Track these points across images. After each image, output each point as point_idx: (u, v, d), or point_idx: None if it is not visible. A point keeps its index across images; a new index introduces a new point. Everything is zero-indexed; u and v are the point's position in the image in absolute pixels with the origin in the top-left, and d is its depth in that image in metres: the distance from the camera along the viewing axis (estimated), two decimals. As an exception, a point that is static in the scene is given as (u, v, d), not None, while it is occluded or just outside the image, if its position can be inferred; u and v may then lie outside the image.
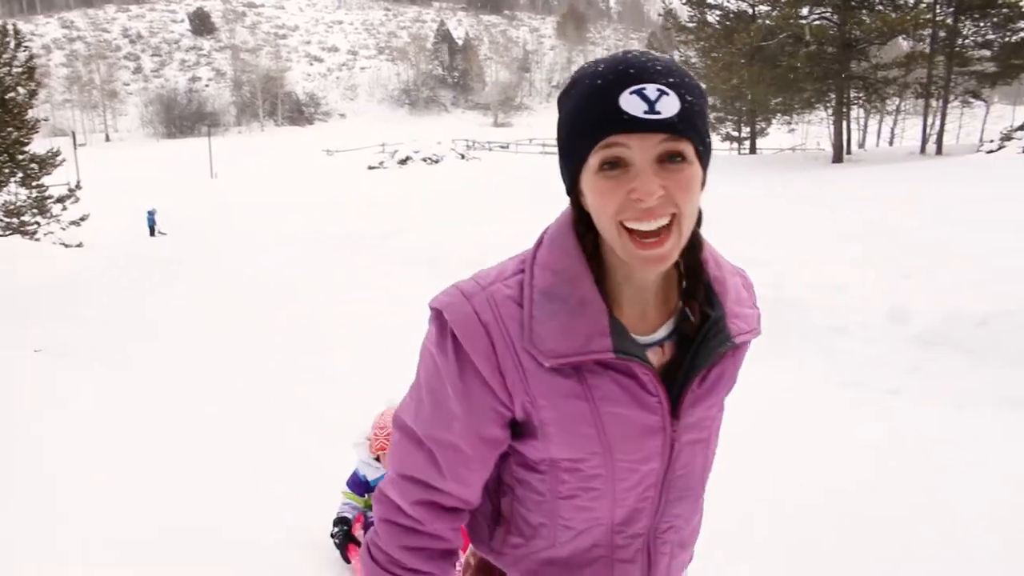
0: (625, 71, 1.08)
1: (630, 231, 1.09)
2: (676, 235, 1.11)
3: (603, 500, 1.30)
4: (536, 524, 1.35)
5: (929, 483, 3.97)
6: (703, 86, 1.14)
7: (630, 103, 1.06)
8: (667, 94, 1.07)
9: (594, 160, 1.10)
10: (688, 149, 1.09)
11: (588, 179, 1.12)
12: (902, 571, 3.26)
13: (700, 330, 1.23)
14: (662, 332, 1.24)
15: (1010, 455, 4.22)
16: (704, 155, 1.13)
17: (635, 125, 1.06)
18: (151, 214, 26.52)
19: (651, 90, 1.06)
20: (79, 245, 20.54)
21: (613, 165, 1.09)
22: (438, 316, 1.22)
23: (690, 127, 1.08)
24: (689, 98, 1.08)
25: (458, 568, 1.56)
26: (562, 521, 1.33)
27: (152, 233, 25.87)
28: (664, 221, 1.09)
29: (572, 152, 1.14)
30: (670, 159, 1.08)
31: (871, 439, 4.50)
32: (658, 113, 1.06)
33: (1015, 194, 10.78)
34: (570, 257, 1.19)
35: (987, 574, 3.22)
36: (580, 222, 1.20)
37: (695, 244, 1.23)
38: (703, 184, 1.14)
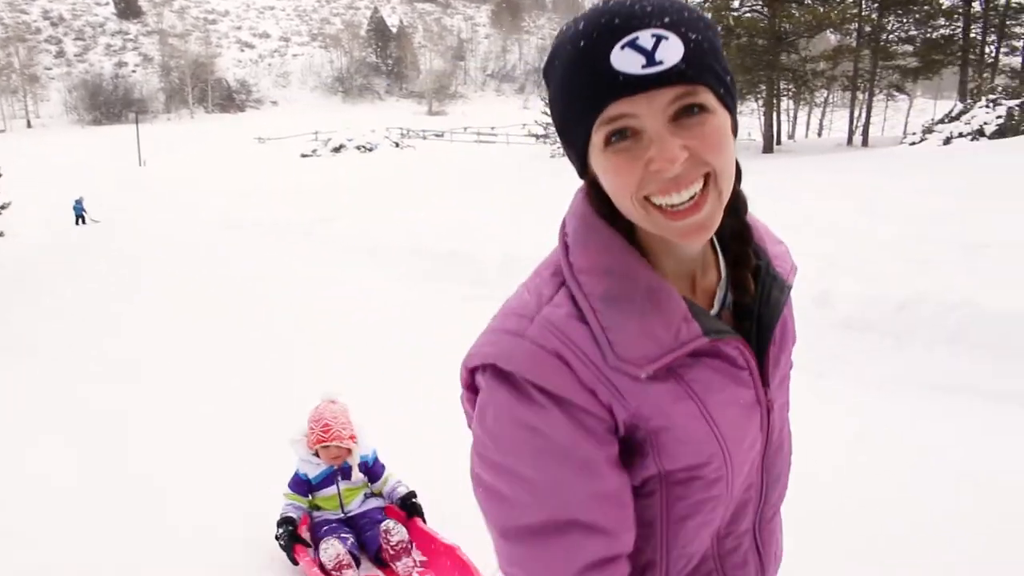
0: (610, 22, 0.88)
1: (659, 207, 0.92)
2: (715, 197, 0.93)
3: (721, 507, 1.10)
4: (644, 564, 1.09)
5: (857, 464, 4.08)
6: (708, 16, 0.93)
7: (624, 60, 0.87)
8: (666, 38, 0.87)
9: (598, 136, 0.92)
10: (707, 96, 0.90)
11: (597, 158, 0.94)
12: (824, 546, 3.35)
13: (757, 281, 1.08)
14: (716, 304, 1.07)
15: (927, 435, 4.37)
16: (727, 97, 0.94)
17: (636, 85, 0.87)
18: (78, 202, 25.78)
19: (645, 37, 0.86)
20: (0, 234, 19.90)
21: (621, 136, 0.90)
22: (496, 372, 0.99)
23: (702, 70, 0.89)
24: (693, 35, 0.88)
25: None
26: (678, 550, 1.10)
27: (79, 222, 25.16)
28: (696, 187, 0.91)
29: (571, 132, 0.96)
30: (687, 113, 0.89)
31: (800, 422, 4.61)
32: (660, 64, 0.86)
33: (934, 185, 11.12)
34: (615, 250, 1.00)
35: (901, 547, 3.33)
36: (603, 206, 1.01)
37: (738, 204, 1.07)
38: (735, 130, 0.97)
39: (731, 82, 0.95)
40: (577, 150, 0.97)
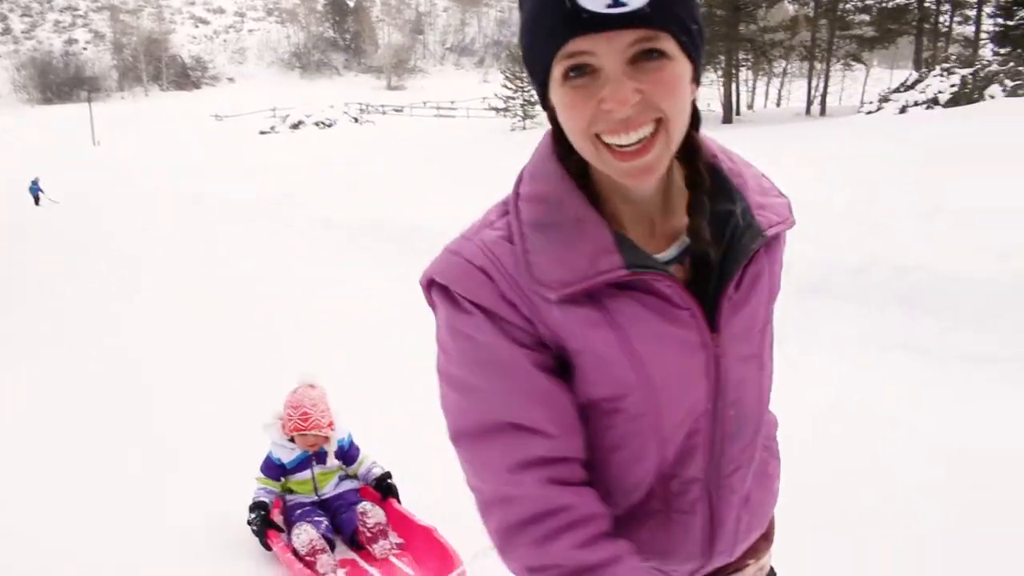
0: None
1: (608, 145, 0.94)
2: (663, 142, 0.95)
3: (651, 444, 1.11)
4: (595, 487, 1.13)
5: (821, 425, 4.15)
6: None
7: None
8: None
9: (558, 70, 0.93)
10: (667, 43, 0.91)
11: (555, 91, 0.96)
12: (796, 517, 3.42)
13: (726, 229, 1.07)
14: (674, 249, 1.08)
15: (888, 394, 4.46)
16: (691, 46, 0.94)
17: (598, 23, 0.88)
18: (34, 183, 25.21)
19: None
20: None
21: (579, 72, 0.92)
22: (435, 287, 1.07)
23: (666, 17, 0.90)
24: None
25: None
26: (614, 481, 1.14)
27: (37, 202, 24.63)
28: (646, 131, 0.93)
29: (533, 63, 0.98)
30: (646, 56, 0.90)
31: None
32: (624, 5, 0.87)
33: (890, 152, 11.26)
34: (555, 180, 1.05)
35: (867, 509, 3.41)
36: (560, 143, 1.04)
37: (692, 147, 1.07)
38: (697, 80, 0.98)
39: (698, 32, 0.96)
40: (539, 82, 0.99)
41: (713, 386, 1.10)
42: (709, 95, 35.74)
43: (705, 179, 1.07)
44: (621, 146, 0.93)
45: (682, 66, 0.94)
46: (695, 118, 1.04)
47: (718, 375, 1.10)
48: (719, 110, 31.82)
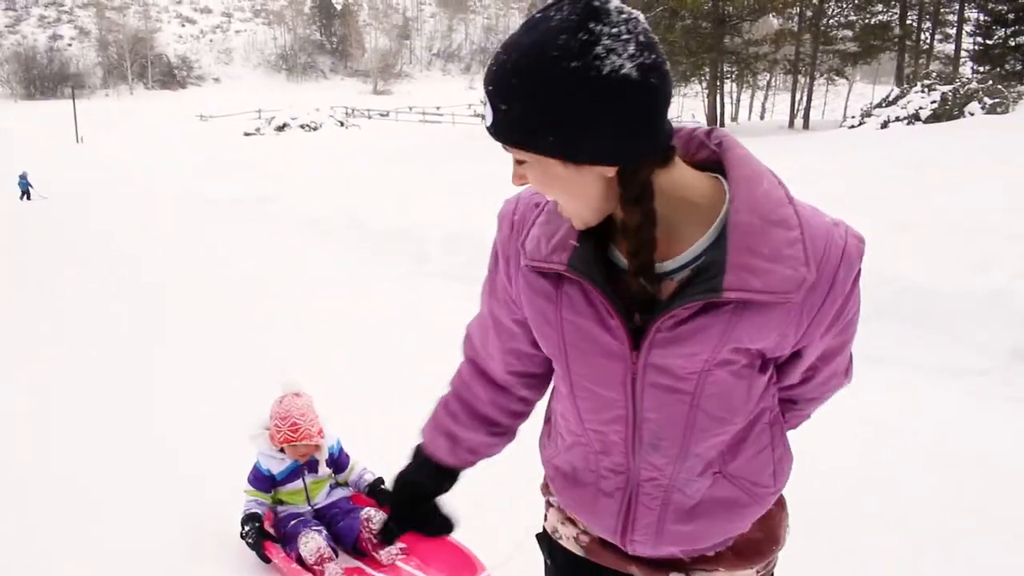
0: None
1: None
2: (564, 211, 1.19)
3: (571, 408, 1.36)
4: (553, 419, 1.49)
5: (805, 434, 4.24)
6: (544, 74, 1.02)
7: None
8: (486, 104, 1.10)
9: None
10: (519, 152, 1.12)
11: None
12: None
13: (696, 272, 1.16)
14: (670, 264, 1.18)
15: (870, 406, 4.54)
16: (552, 149, 1.08)
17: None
18: (23, 177, 24.96)
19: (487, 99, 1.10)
20: (-70, 212, 19.25)
21: None
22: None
23: (510, 134, 1.10)
24: (503, 106, 1.07)
25: None
26: (561, 421, 1.43)
27: (25, 197, 24.39)
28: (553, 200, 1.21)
29: None
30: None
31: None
32: (487, 121, 1.12)
33: (870, 166, 11.36)
34: None
35: (871, 525, 3.49)
36: None
37: (643, 197, 1.12)
38: (600, 160, 1.08)
39: (554, 140, 1.06)
40: None
41: (630, 397, 1.26)
42: (694, 106, 36.00)
43: (647, 222, 1.12)
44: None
45: (543, 165, 1.11)
46: (665, 155, 1.13)
47: (634, 390, 1.25)
48: (704, 121, 32.01)
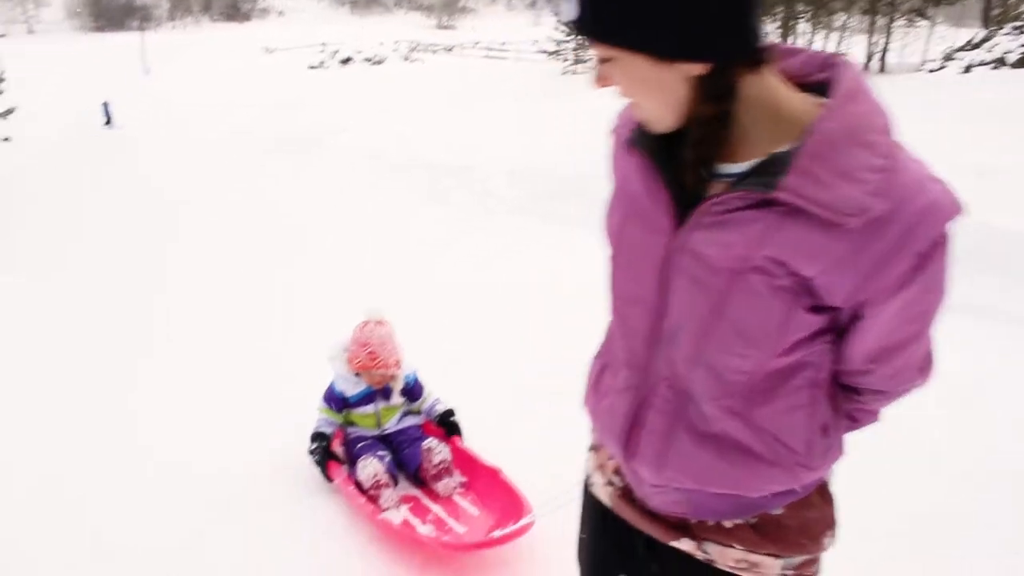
0: None
1: None
2: (642, 114, 1.18)
3: (609, 294, 1.37)
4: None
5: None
6: None
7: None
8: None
9: None
10: (603, 49, 1.11)
11: None
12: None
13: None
14: (731, 167, 1.15)
15: (949, 358, 4.39)
16: (643, 42, 1.07)
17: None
18: (105, 105, 25.43)
19: None
20: (6, 139, 19.74)
21: None
22: None
23: (593, 27, 1.09)
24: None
25: None
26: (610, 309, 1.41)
27: (108, 123, 24.85)
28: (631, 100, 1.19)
29: None
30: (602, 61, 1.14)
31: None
32: (569, 12, 1.10)
33: (951, 112, 10.97)
34: None
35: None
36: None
37: (723, 97, 1.11)
38: (689, 55, 1.07)
39: (645, 34, 1.06)
40: None
41: (659, 279, 1.23)
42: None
43: (719, 120, 1.12)
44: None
45: (625, 63, 1.10)
46: (755, 57, 1.10)
47: (665, 274, 1.22)
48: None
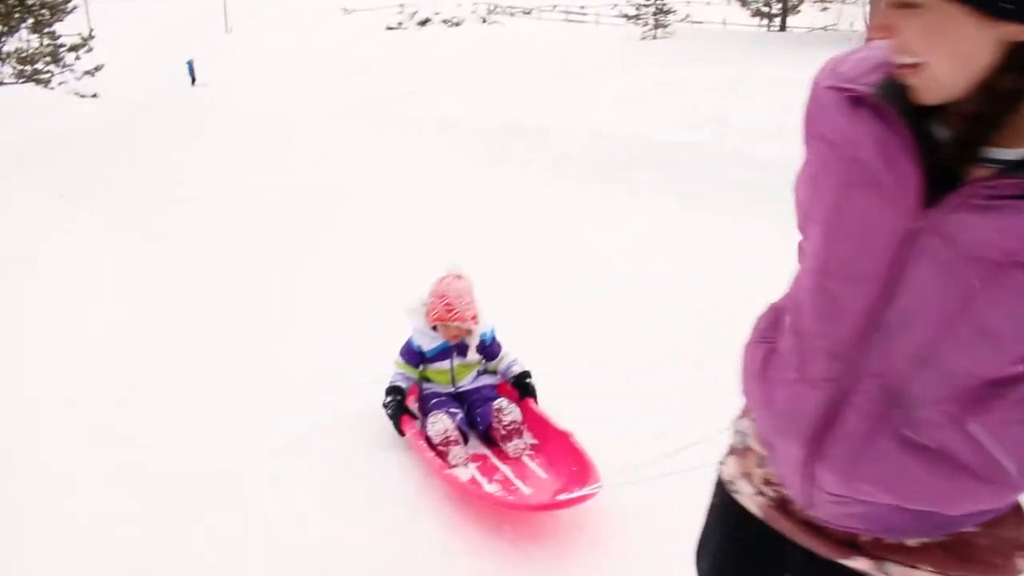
0: None
1: None
2: (924, 78, 1.01)
3: (806, 269, 1.23)
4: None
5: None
6: None
7: None
8: None
9: None
10: None
11: None
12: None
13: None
14: (1001, 153, 1.02)
15: None
16: None
17: None
18: (190, 63, 26.02)
19: None
20: (94, 96, 20.31)
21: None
22: None
23: None
24: None
25: None
26: (793, 295, 1.29)
27: (193, 82, 25.44)
28: (907, 61, 1.02)
29: None
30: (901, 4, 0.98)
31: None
32: None
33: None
34: None
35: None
36: None
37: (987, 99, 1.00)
38: (999, 13, 0.93)
39: None
40: None
41: (889, 260, 1.09)
42: (852, 14, 33.75)
43: (1010, 94, 0.99)
44: (899, 64, 1.04)
45: (938, 17, 0.96)
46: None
47: (906, 254, 1.07)
48: (862, 30, 30.08)
